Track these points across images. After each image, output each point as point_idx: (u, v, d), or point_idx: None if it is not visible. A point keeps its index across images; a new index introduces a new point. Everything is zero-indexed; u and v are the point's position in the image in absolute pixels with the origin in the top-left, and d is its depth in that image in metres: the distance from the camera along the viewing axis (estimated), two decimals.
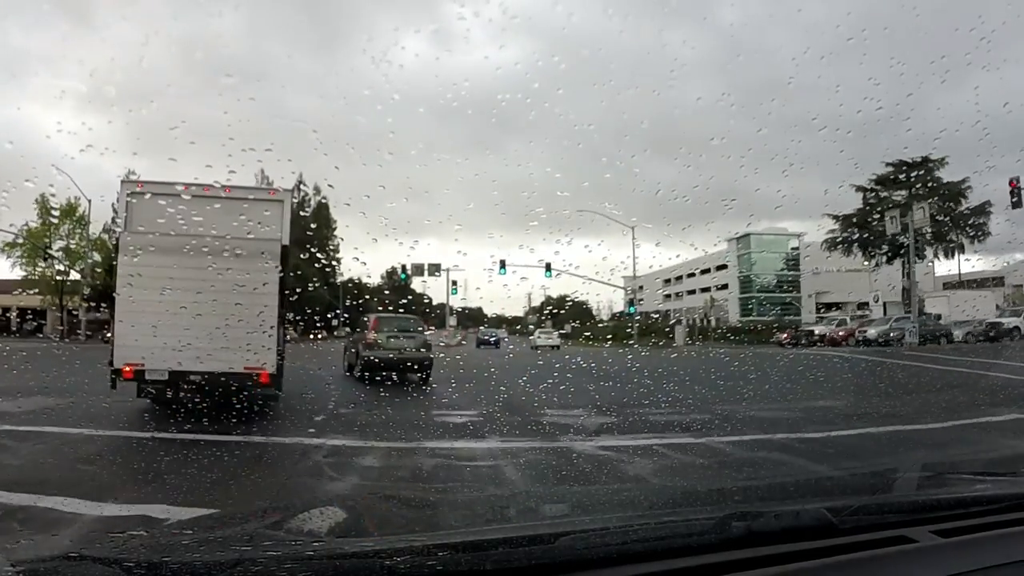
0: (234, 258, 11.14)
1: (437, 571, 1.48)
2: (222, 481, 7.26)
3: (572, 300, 78.24)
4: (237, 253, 11.20)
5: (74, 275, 55.65)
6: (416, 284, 71.25)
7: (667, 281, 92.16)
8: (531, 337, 54.60)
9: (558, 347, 46.57)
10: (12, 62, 64.65)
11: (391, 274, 71.62)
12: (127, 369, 11.25)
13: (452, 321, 62.32)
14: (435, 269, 48.45)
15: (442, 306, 66.26)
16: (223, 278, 11.18)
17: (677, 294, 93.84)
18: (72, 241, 54.66)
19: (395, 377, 18.07)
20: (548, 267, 40.36)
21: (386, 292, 68.94)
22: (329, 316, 58.23)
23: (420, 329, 20.97)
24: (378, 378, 17.51)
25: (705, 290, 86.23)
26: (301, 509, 2.62)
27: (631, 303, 65.49)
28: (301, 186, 61.21)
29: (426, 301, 70.02)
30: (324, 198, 64.28)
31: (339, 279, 69.40)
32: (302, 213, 60.83)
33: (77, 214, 53.89)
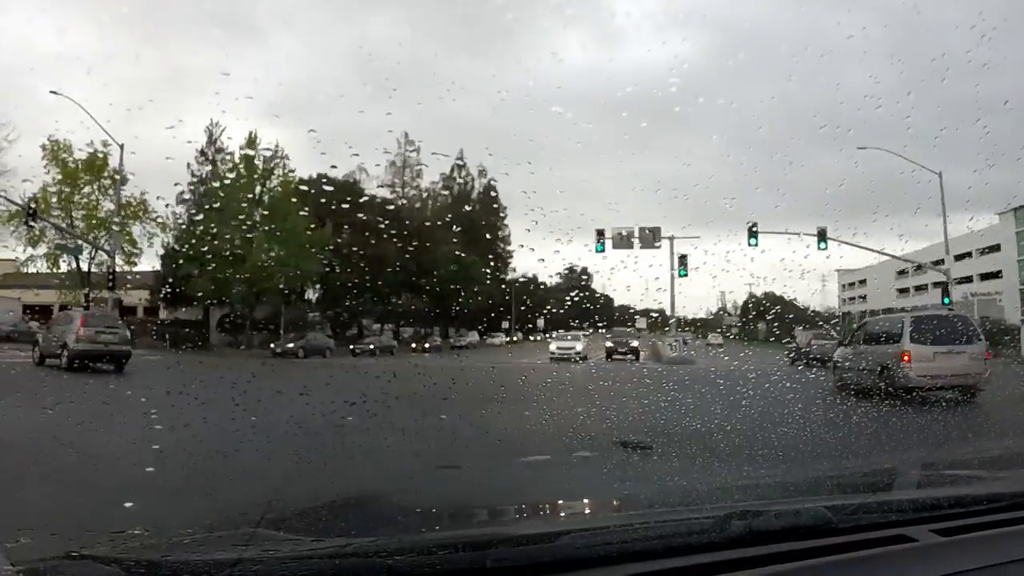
0: None
1: (437, 571, 1.48)
2: None
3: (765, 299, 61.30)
4: None
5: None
6: (598, 280, 62.59)
7: (902, 272, 69.84)
8: (709, 341, 47.36)
9: (720, 345, 41.39)
10: (186, 82, 62.87)
11: (570, 271, 63.68)
12: None
13: (641, 323, 52.66)
14: (652, 236, 31.92)
15: (623, 308, 58.36)
16: None
17: (919, 287, 68.65)
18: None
19: None
20: (752, 233, 28.32)
21: (562, 290, 59.31)
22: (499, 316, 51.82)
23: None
24: None
25: (965, 280, 60.00)
26: (301, 509, 2.62)
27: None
28: (460, 165, 54.54)
29: (603, 301, 60.05)
30: (492, 180, 54.97)
31: (510, 274, 59.54)
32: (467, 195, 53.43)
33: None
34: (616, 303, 63.72)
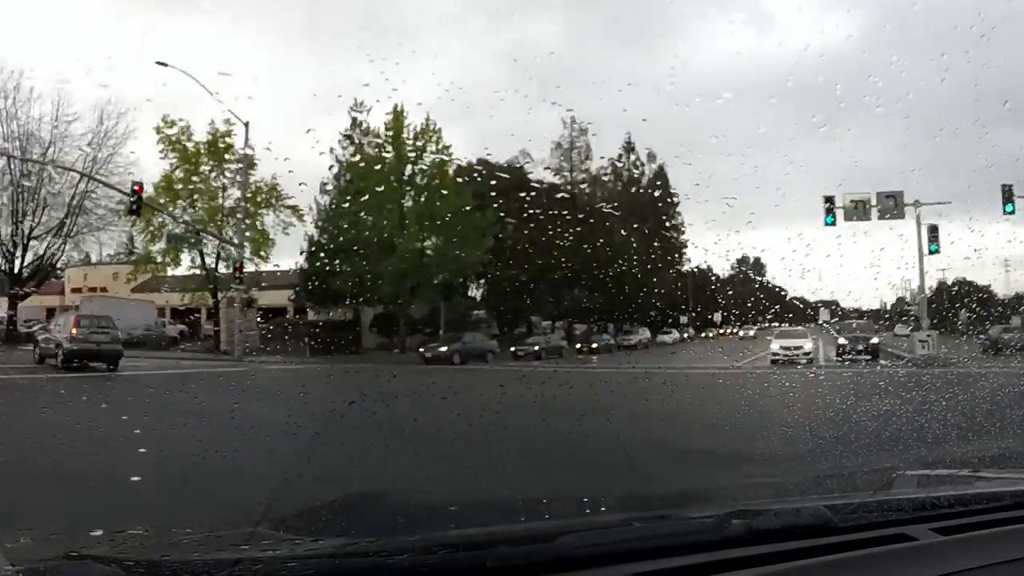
0: None
1: (437, 570, 1.48)
2: None
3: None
4: None
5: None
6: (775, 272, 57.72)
7: None
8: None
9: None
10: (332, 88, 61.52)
11: (741, 262, 59.16)
12: None
13: (824, 315, 47.09)
14: (894, 203, 26.47)
15: (806, 302, 52.62)
16: None
17: None
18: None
19: None
20: (1009, 198, 23.31)
21: (735, 282, 55.95)
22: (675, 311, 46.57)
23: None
24: None
25: None
26: (301, 509, 2.62)
27: None
28: (628, 148, 48.76)
29: (776, 292, 55.42)
30: (663, 164, 49.49)
31: (685, 265, 54.10)
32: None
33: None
34: (789, 295, 58.75)
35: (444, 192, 34.32)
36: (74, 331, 21.84)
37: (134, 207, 27.12)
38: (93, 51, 57.94)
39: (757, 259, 56.35)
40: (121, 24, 72.92)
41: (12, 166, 36.83)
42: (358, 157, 38.24)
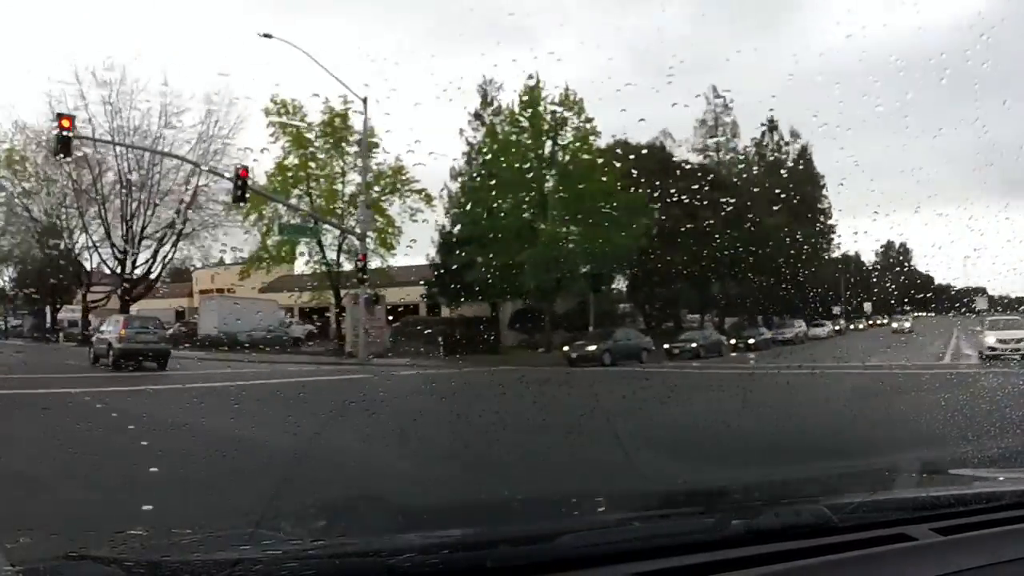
0: None
1: (437, 570, 1.48)
2: None
3: None
4: None
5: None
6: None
7: None
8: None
9: None
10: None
11: (886, 248, 55.08)
12: None
13: (982, 303, 36.74)
14: None
15: (943, 288, 46.62)
16: None
17: None
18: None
19: None
20: None
21: (881, 269, 51.06)
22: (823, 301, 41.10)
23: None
24: None
25: None
26: (301, 509, 2.62)
27: None
28: (772, 127, 45.28)
29: (921, 280, 49.85)
30: (807, 144, 45.90)
31: (834, 252, 48.98)
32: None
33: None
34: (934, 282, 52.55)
35: (590, 170, 29.81)
36: (123, 332, 22.70)
37: (239, 194, 23.96)
38: (198, 39, 57.06)
39: (903, 244, 52.90)
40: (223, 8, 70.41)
41: (119, 162, 34.35)
42: (490, 138, 34.29)
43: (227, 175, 26.31)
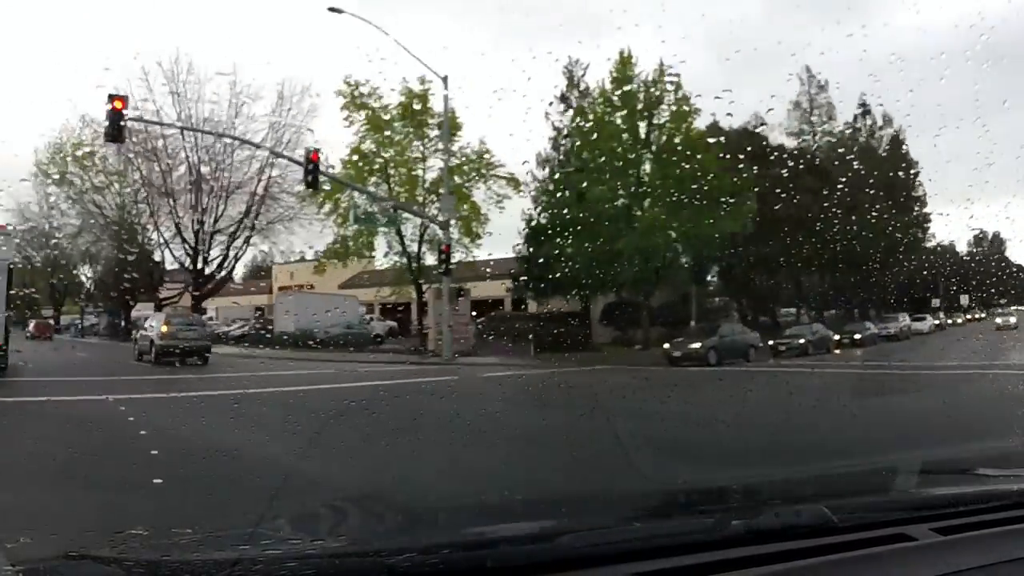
0: None
1: (437, 570, 1.49)
2: None
3: None
4: None
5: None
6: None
7: None
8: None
9: None
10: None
11: (978, 237, 52.65)
12: None
13: None
14: None
15: None
16: None
17: None
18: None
19: None
20: None
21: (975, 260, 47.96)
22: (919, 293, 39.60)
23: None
24: None
25: None
26: (301, 509, 2.62)
27: None
28: (864, 111, 41.86)
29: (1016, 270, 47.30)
30: (898, 129, 42.28)
31: (929, 242, 45.82)
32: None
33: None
34: None
35: (690, 151, 27.14)
36: (164, 329, 23.25)
37: (310, 179, 22.50)
38: (265, 24, 55.40)
39: (996, 234, 51.23)
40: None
41: (190, 154, 33.42)
42: (579, 119, 31.71)
43: (298, 158, 24.81)
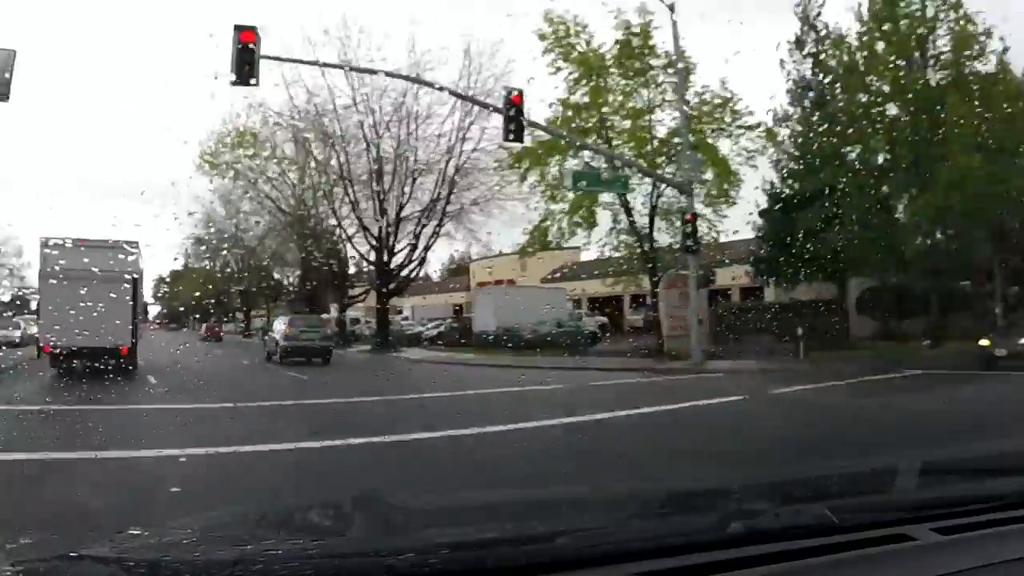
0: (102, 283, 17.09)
1: (437, 570, 1.48)
2: None
3: None
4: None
5: None
6: None
7: None
8: None
9: None
10: None
11: None
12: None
13: None
14: None
15: None
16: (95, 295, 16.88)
17: None
18: None
19: None
20: None
21: None
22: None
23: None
24: None
25: None
26: (301, 509, 2.62)
27: None
28: None
29: None
30: None
31: None
32: None
33: None
34: None
35: (987, 85, 21.33)
36: (288, 331, 24.58)
37: (511, 129, 17.52)
38: None
39: None
40: None
41: (367, 132, 29.71)
42: (837, 49, 24.96)
43: (497, 107, 19.35)
